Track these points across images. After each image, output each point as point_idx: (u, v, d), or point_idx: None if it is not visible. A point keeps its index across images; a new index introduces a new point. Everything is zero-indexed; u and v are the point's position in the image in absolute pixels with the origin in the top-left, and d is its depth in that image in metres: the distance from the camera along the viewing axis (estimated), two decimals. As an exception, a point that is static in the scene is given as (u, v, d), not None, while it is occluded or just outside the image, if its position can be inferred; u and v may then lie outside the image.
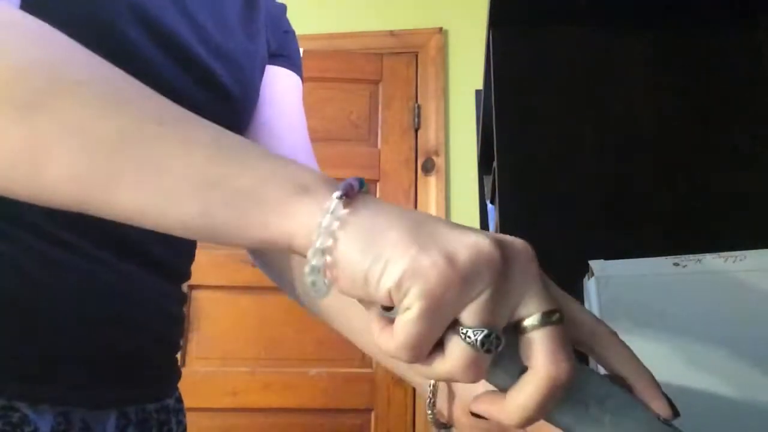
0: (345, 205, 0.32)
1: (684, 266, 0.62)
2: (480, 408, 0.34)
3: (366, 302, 0.33)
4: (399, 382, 2.01)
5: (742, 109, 0.84)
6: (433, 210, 2.15)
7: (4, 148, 0.34)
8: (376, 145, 2.25)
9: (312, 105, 2.30)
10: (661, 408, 0.34)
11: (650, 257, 0.65)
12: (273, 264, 0.67)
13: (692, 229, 0.79)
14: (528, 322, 0.32)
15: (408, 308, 0.30)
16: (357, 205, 0.33)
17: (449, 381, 0.32)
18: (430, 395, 0.47)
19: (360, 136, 2.26)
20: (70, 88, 0.35)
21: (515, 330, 0.32)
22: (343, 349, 2.02)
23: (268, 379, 2.00)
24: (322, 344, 2.01)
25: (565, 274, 0.77)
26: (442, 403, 0.48)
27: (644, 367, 0.35)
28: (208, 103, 0.62)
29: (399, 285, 0.30)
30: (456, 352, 0.31)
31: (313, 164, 0.73)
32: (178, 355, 0.69)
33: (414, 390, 2.02)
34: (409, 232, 0.31)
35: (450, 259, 0.30)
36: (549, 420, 0.34)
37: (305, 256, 0.32)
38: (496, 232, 0.94)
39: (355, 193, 0.33)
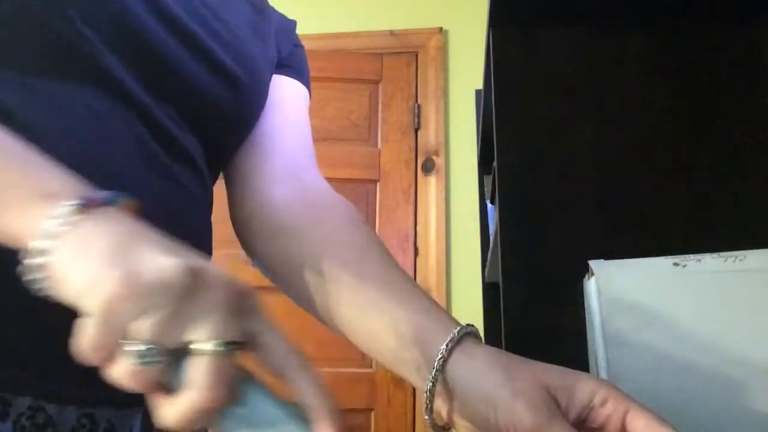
0: (79, 213, 0.35)
1: (684, 266, 0.62)
2: (152, 399, 0.37)
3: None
4: (399, 382, 2.01)
5: (741, 109, 0.84)
6: (433, 210, 2.15)
7: None
8: (376, 145, 2.25)
9: (312, 105, 2.30)
10: None
11: (650, 257, 0.65)
12: (268, 265, 0.67)
13: (692, 229, 0.79)
14: (195, 346, 0.34)
15: (89, 315, 0.33)
16: (92, 215, 0.36)
17: (125, 387, 0.35)
18: (427, 400, 0.47)
19: (360, 136, 2.26)
20: None
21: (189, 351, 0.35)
22: (343, 349, 2.01)
23: (267, 379, 2.00)
24: (322, 344, 2.01)
25: (565, 274, 0.78)
26: (440, 405, 0.48)
27: (324, 398, 0.38)
28: (207, 79, 0.61)
29: (83, 293, 0.33)
30: (121, 361, 0.34)
31: (314, 171, 0.72)
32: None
33: (414, 390, 2.02)
34: (111, 247, 0.34)
35: (131, 276, 0.33)
36: None
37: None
38: (496, 232, 0.94)
39: (96, 204, 0.36)
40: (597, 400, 0.43)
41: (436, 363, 0.46)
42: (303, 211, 0.62)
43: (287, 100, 0.75)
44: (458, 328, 0.47)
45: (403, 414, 2.00)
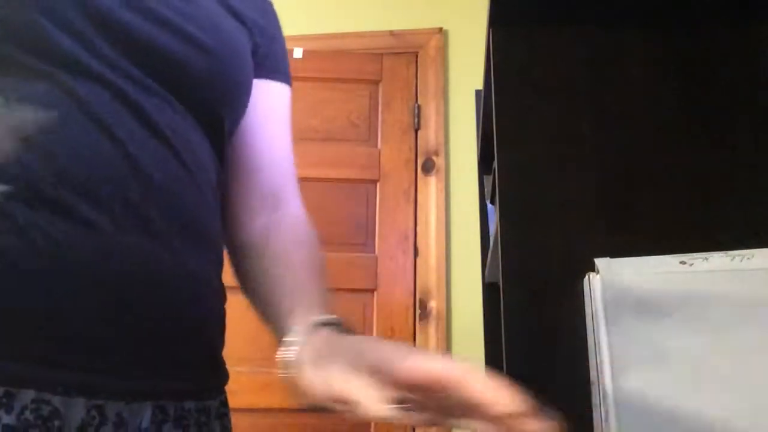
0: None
1: (691, 264, 0.62)
2: None
3: None
4: (399, 382, 2.01)
5: (742, 109, 0.84)
6: (433, 210, 2.15)
7: None
8: (376, 145, 2.25)
9: (312, 105, 2.30)
10: None
11: (649, 257, 0.65)
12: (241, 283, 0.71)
13: (692, 229, 0.79)
14: None
15: None
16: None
17: None
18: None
19: (360, 136, 2.25)
20: None
21: None
22: (343, 350, 2.01)
23: (268, 379, 1.99)
24: (322, 344, 2.01)
25: (565, 273, 0.78)
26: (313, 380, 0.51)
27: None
28: (175, 47, 0.62)
29: None
30: None
31: (292, 189, 0.75)
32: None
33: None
34: None
35: None
36: None
37: None
38: (496, 232, 0.94)
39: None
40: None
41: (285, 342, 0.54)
42: (273, 244, 0.70)
43: (271, 109, 0.77)
44: (316, 319, 0.55)
45: (403, 414, 1.99)
